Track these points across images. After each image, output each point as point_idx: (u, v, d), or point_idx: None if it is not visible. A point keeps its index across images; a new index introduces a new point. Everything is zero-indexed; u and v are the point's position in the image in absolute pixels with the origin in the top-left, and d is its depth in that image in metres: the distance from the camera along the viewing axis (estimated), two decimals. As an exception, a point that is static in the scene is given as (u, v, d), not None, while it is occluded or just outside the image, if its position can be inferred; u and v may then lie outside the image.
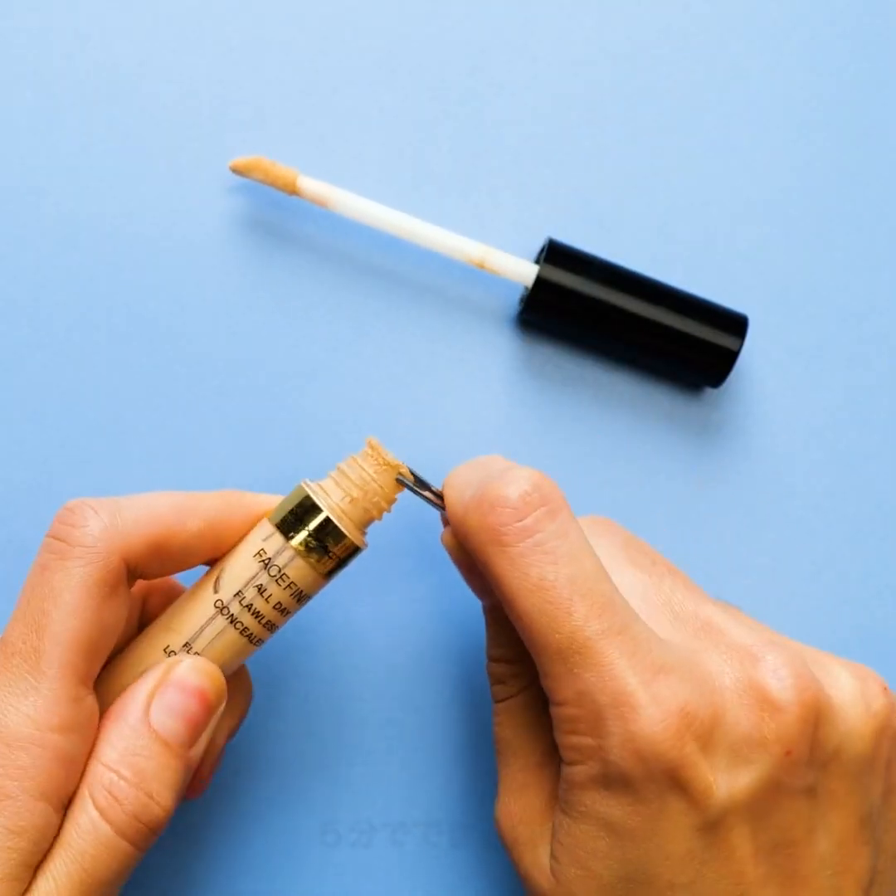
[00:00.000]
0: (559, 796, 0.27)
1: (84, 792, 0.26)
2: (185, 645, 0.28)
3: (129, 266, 0.35)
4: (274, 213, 0.36)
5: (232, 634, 0.28)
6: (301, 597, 0.28)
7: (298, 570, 0.28)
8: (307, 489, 0.28)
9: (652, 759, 0.25)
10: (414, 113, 0.37)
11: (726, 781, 0.25)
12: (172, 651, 0.28)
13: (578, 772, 0.26)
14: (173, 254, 0.35)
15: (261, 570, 0.28)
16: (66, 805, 0.26)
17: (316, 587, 0.29)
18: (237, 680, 0.31)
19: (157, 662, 0.28)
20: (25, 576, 0.27)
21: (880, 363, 0.38)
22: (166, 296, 0.35)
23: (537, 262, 0.35)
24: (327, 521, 0.28)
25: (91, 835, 0.25)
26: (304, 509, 0.28)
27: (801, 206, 0.38)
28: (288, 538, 0.28)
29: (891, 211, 0.38)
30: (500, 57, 0.37)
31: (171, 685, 0.27)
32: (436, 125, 0.37)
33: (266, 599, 0.28)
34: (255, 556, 0.28)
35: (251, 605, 0.28)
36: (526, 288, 0.35)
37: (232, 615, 0.28)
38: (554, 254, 0.35)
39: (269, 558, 0.28)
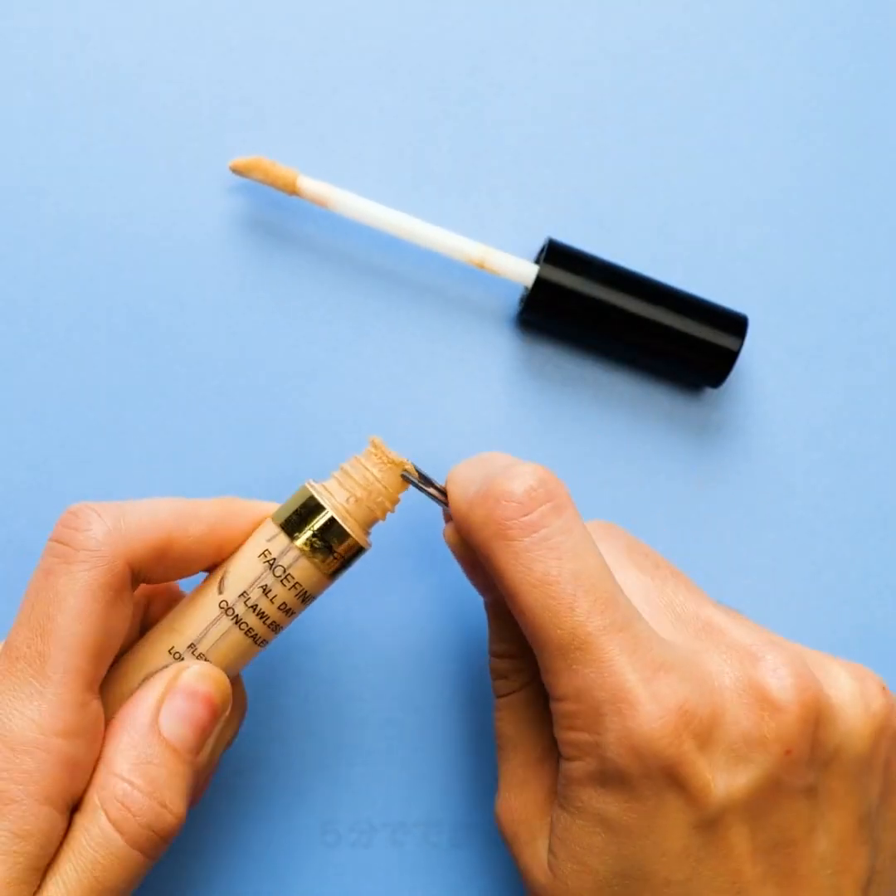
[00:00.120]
0: (558, 792, 0.27)
1: (95, 800, 0.26)
2: (190, 646, 0.28)
3: (129, 266, 0.35)
4: (274, 213, 0.36)
5: (237, 635, 0.28)
6: (306, 597, 0.28)
7: (303, 570, 0.28)
8: (311, 489, 0.28)
9: (649, 756, 0.25)
10: (414, 113, 0.37)
11: (725, 780, 0.25)
12: (177, 652, 0.28)
13: (576, 768, 0.26)
14: (173, 254, 0.35)
15: (266, 570, 0.28)
16: (71, 808, 0.26)
17: (320, 587, 0.28)
18: (233, 690, 0.30)
19: (161, 664, 0.28)
20: (25, 576, 0.27)
21: (880, 363, 0.38)
22: (166, 296, 0.35)
23: (537, 262, 0.35)
24: (332, 521, 0.28)
25: (103, 846, 0.25)
26: (309, 509, 0.28)
27: (801, 206, 0.38)
28: (292, 538, 0.28)
29: (891, 211, 0.38)
30: (500, 57, 0.37)
31: (179, 692, 0.27)
32: (436, 125, 0.37)
33: (271, 600, 0.28)
34: (259, 556, 0.28)
35: (256, 605, 0.28)
36: (526, 288, 0.35)
37: (237, 616, 0.28)
38: (554, 254, 0.35)
39: (274, 559, 0.28)
